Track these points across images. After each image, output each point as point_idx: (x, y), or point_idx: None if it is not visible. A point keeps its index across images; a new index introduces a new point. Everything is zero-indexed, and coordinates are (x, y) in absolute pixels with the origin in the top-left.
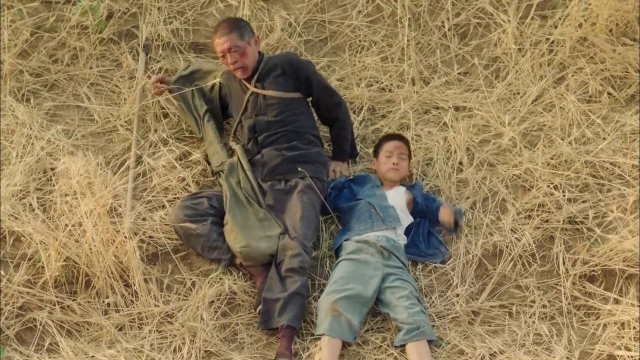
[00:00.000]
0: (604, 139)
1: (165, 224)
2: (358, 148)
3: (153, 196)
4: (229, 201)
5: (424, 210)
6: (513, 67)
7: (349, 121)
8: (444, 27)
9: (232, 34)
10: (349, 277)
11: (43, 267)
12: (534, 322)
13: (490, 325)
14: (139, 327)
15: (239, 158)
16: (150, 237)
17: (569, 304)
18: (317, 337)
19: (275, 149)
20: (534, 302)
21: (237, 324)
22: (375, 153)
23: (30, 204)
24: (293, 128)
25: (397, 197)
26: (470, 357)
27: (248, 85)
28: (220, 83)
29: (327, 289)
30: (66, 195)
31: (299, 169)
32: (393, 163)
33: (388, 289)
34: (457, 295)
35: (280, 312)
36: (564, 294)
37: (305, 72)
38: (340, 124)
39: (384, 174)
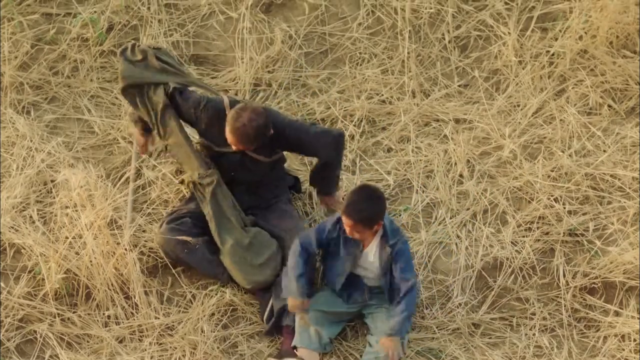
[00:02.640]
0: (604, 151)
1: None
2: (358, 162)
3: (153, 208)
4: (217, 227)
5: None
6: (513, 79)
7: (336, 156)
8: (444, 39)
9: (248, 145)
10: (328, 298)
11: (43, 279)
12: (534, 334)
13: (490, 338)
14: (139, 339)
15: (218, 180)
16: (151, 249)
17: (569, 316)
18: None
19: (249, 192)
20: (534, 314)
21: (238, 335)
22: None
23: (31, 216)
24: (270, 180)
25: (380, 254)
26: None
27: None
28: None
29: None
30: (66, 207)
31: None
32: (352, 236)
33: (370, 316)
34: (458, 307)
35: (283, 313)
36: (565, 306)
37: (290, 141)
38: (326, 159)
39: None
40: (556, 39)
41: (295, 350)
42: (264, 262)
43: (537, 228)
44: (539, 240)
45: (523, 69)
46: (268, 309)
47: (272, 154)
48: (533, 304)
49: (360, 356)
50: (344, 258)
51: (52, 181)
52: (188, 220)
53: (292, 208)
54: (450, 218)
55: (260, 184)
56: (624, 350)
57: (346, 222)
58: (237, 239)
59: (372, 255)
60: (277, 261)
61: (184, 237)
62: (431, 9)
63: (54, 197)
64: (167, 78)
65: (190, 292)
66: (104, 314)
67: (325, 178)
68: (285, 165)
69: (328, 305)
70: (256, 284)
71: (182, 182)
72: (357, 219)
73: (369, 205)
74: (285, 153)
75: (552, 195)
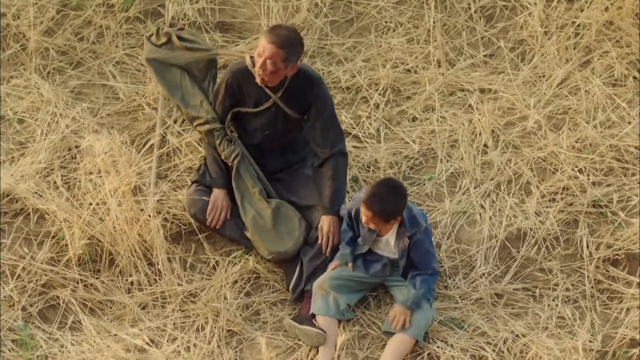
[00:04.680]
0: (629, 122)
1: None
2: (382, 130)
3: (177, 175)
4: (240, 198)
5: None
6: (539, 50)
7: (342, 169)
8: (470, 9)
9: (280, 50)
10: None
11: (67, 245)
12: (557, 305)
13: (513, 308)
14: (162, 306)
15: (243, 152)
16: (174, 216)
17: (592, 287)
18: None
19: (278, 155)
20: (557, 285)
21: (261, 303)
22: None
23: (55, 182)
24: (298, 142)
25: (398, 242)
26: (492, 340)
27: (270, 94)
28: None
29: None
30: (90, 173)
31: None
32: (371, 229)
33: (396, 288)
34: (481, 277)
35: (308, 279)
36: (588, 277)
37: (321, 113)
38: (334, 165)
39: None
40: (582, 10)
41: (313, 319)
42: (285, 234)
43: (561, 199)
44: (562, 211)
45: (549, 39)
46: (295, 276)
47: (302, 111)
48: (556, 274)
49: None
50: (361, 238)
51: (76, 147)
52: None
53: (315, 174)
54: (474, 188)
55: (290, 145)
56: None
57: (364, 212)
58: (259, 210)
59: (390, 242)
60: (299, 233)
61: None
62: None
63: (78, 163)
64: (192, 55)
65: (214, 259)
66: (127, 280)
67: (333, 187)
68: None
69: (346, 270)
70: (277, 255)
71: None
72: (377, 211)
73: (391, 199)
74: None
75: (576, 166)
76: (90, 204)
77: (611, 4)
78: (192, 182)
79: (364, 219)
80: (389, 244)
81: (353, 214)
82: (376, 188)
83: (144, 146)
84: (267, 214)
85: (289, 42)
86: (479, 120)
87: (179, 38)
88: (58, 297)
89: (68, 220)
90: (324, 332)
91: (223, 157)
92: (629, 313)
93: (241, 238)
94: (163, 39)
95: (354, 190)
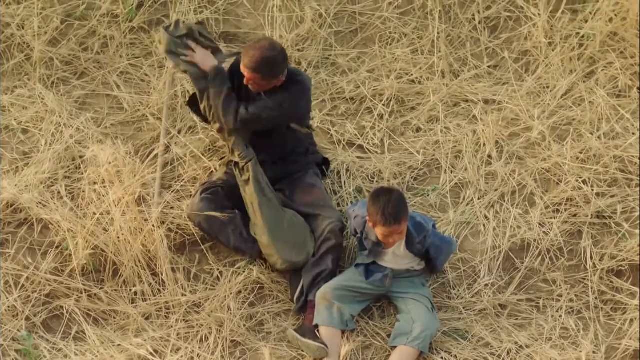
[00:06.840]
0: (633, 133)
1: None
2: (386, 141)
3: (181, 186)
4: (259, 204)
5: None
6: (543, 61)
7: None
8: (474, 20)
9: (257, 74)
10: (352, 275)
11: (71, 255)
12: (560, 316)
13: (517, 319)
14: (165, 316)
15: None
16: (179, 226)
17: (596, 298)
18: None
19: (278, 165)
20: (561, 296)
21: (264, 313)
22: (369, 216)
23: (59, 192)
24: (295, 152)
25: (409, 250)
26: (496, 351)
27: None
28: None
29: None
30: (95, 183)
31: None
32: (392, 241)
33: (400, 299)
34: (485, 287)
35: (309, 288)
36: (591, 288)
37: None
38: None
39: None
40: (586, 21)
41: (316, 330)
42: (299, 244)
43: (565, 210)
44: (566, 222)
45: (553, 50)
46: (299, 287)
47: None
48: (560, 285)
49: (388, 336)
50: (368, 252)
51: (80, 157)
52: (220, 190)
53: (318, 181)
54: (479, 199)
55: (289, 156)
56: None
57: (387, 231)
58: (276, 218)
59: (397, 253)
60: (310, 245)
61: (214, 214)
62: None
63: (82, 173)
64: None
65: (218, 269)
66: (130, 290)
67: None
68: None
69: (349, 280)
70: (291, 265)
71: (222, 159)
72: (402, 218)
73: (399, 201)
74: (313, 127)
75: (580, 177)
76: (94, 214)
77: (615, 15)
78: (196, 193)
79: (389, 238)
80: (397, 255)
81: (357, 231)
82: (382, 204)
83: (148, 156)
84: (284, 223)
85: (265, 64)
86: (483, 131)
87: (201, 35)
88: (62, 307)
89: (72, 230)
90: (326, 346)
91: (237, 158)
92: (633, 324)
93: (246, 247)
94: (183, 31)
95: (357, 199)
